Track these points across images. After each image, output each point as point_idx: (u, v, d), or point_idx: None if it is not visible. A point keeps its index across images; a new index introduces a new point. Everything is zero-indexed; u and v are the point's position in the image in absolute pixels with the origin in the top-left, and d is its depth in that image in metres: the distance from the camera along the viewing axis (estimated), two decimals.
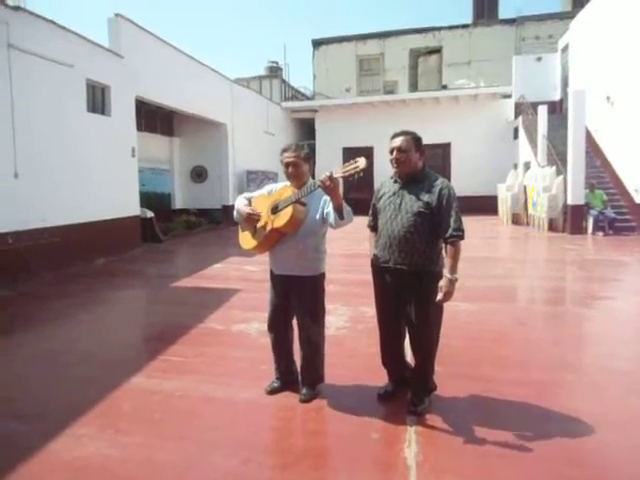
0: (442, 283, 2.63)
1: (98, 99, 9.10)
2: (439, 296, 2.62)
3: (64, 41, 7.98)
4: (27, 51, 7.12)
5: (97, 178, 8.77)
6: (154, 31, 10.64)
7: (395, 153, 2.77)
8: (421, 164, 2.82)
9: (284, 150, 2.98)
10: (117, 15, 9.37)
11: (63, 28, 7.92)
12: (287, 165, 2.92)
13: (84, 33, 8.42)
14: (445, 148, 17.93)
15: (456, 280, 2.63)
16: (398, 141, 2.78)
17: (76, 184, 8.24)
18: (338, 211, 2.69)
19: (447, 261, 2.68)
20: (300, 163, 2.91)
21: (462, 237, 2.66)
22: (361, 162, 2.55)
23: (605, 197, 11.41)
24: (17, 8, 7.06)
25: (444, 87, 19.64)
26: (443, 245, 2.74)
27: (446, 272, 2.66)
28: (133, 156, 10.03)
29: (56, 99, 7.80)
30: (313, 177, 3.01)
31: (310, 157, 3.00)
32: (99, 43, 8.92)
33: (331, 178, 2.57)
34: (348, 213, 2.73)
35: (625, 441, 2.54)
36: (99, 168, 8.83)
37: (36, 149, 7.35)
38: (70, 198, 8.06)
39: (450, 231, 2.64)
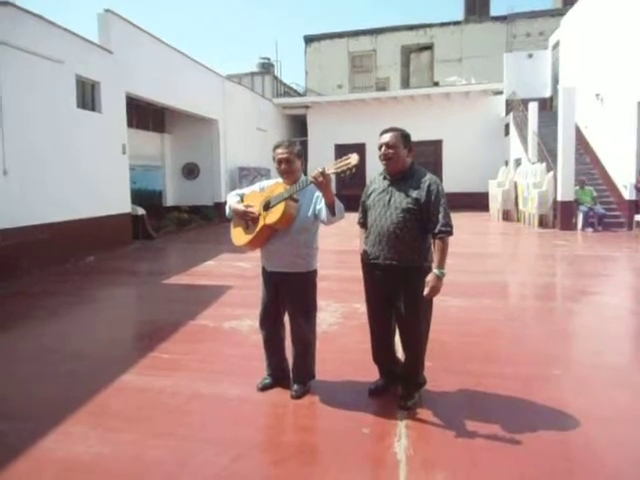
0: (429, 278, 2.65)
1: (88, 95, 9.03)
2: (425, 291, 2.64)
3: (53, 36, 7.90)
4: (15, 46, 7.04)
5: (87, 175, 8.70)
6: (145, 27, 10.58)
7: (384, 149, 2.79)
8: (410, 160, 2.84)
9: (276, 146, 2.97)
10: (107, 11, 9.28)
11: (52, 23, 7.84)
12: (280, 161, 2.91)
13: (74, 29, 8.36)
14: (437, 145, 18.00)
15: (443, 275, 2.65)
16: (386, 137, 2.80)
17: (66, 181, 8.17)
18: (330, 207, 2.70)
19: (435, 256, 2.70)
20: (293, 159, 2.91)
21: (451, 232, 2.68)
22: (353, 158, 2.56)
23: (595, 193, 11.52)
24: (5, 3, 6.97)
25: (436, 84, 19.69)
26: (432, 240, 2.76)
27: (433, 267, 2.68)
28: (124, 153, 9.96)
29: (45, 95, 7.72)
30: (305, 174, 3.01)
31: (302, 154, 3.01)
32: (89, 39, 8.84)
33: (323, 174, 2.58)
34: (340, 209, 2.74)
35: (611, 435, 2.58)
36: (89, 165, 8.77)
37: (25, 146, 7.28)
38: (60, 195, 8.00)
39: (439, 227, 2.67)
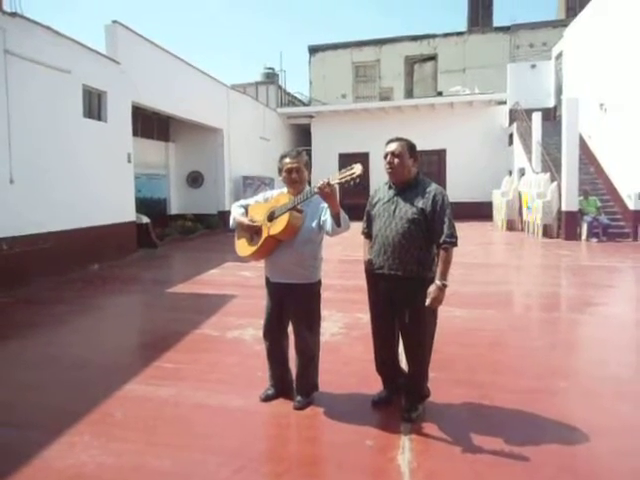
0: (430, 289, 2.64)
1: (94, 105, 9.11)
2: (427, 301, 2.63)
3: (61, 47, 7.99)
4: (23, 57, 7.12)
5: (93, 184, 8.75)
6: (151, 37, 10.70)
7: (389, 157, 2.81)
8: (415, 170, 2.85)
9: (284, 156, 2.97)
10: (114, 22, 9.40)
11: (60, 34, 7.94)
12: (290, 171, 2.91)
13: (82, 39, 8.46)
14: (440, 154, 18.03)
15: (445, 287, 2.64)
16: (392, 146, 2.81)
17: (72, 190, 8.22)
18: (335, 218, 2.70)
19: (438, 267, 2.69)
20: (302, 169, 2.92)
21: (455, 243, 2.68)
22: (357, 168, 2.58)
23: (599, 203, 11.49)
24: (14, 14, 7.06)
25: (439, 94, 19.76)
26: (437, 251, 2.75)
27: (435, 278, 2.67)
28: (129, 162, 10.03)
29: (52, 105, 7.80)
30: (309, 184, 3.02)
31: (309, 164, 3.02)
32: (96, 49, 8.95)
33: (329, 184, 2.59)
34: (345, 220, 2.73)
35: (618, 448, 2.55)
36: (95, 174, 8.82)
37: (32, 155, 7.34)
38: (66, 204, 8.04)
39: (443, 237, 2.66)
